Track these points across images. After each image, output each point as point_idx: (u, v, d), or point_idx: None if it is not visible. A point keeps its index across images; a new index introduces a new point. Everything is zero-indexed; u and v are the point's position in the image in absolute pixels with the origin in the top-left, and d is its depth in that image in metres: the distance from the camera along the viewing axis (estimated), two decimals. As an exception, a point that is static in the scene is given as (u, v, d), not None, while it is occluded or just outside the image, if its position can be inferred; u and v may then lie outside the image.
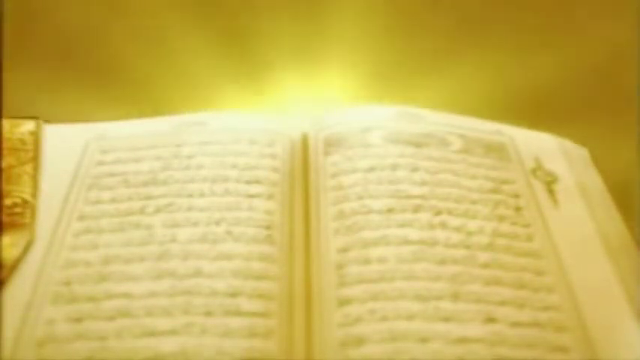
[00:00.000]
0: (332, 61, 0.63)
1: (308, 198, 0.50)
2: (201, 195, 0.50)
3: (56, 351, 0.42)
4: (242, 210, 0.49)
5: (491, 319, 0.43)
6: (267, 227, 0.48)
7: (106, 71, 0.62)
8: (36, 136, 0.54)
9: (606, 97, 0.60)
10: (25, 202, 0.50)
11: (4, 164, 0.52)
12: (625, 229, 0.50)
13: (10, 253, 0.46)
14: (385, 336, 0.42)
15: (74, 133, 0.55)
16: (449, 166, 0.52)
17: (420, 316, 0.43)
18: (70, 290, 0.44)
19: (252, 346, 0.42)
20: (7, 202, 0.50)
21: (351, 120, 0.55)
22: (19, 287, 0.45)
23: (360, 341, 0.42)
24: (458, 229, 0.48)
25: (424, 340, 0.42)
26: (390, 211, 0.48)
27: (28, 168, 0.52)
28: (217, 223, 0.48)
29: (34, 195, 0.50)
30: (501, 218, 0.49)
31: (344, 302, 0.44)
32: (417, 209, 0.49)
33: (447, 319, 0.43)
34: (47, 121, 0.55)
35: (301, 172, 0.52)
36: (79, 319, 0.43)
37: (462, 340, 0.42)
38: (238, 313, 0.43)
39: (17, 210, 0.49)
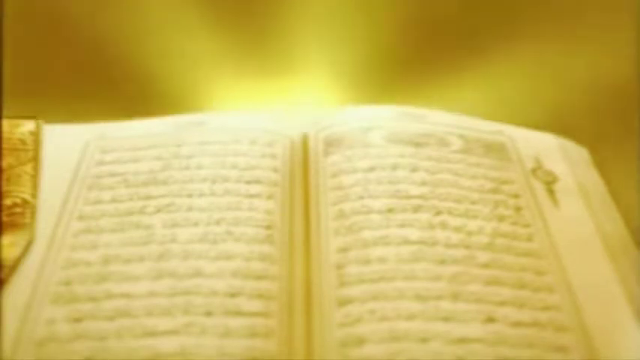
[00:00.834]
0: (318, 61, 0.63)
1: (308, 198, 0.50)
2: (201, 195, 0.50)
3: (56, 351, 0.41)
4: (242, 210, 0.49)
5: (491, 319, 0.43)
6: (267, 227, 0.48)
7: (106, 71, 0.62)
8: (36, 136, 0.54)
9: (607, 96, 0.60)
10: (25, 202, 0.50)
11: (4, 164, 0.52)
12: (625, 229, 0.50)
13: (10, 253, 0.46)
14: (385, 336, 0.42)
15: (74, 133, 0.55)
16: (449, 166, 0.52)
17: (420, 316, 0.43)
18: (70, 290, 0.44)
19: (252, 346, 0.42)
20: (7, 202, 0.50)
21: (351, 120, 0.55)
22: (19, 287, 0.45)
23: (360, 341, 0.42)
24: (458, 229, 0.48)
25: (424, 340, 0.42)
26: (390, 211, 0.48)
27: (28, 168, 0.52)
28: (217, 223, 0.48)
29: (34, 195, 0.50)
30: (501, 218, 0.49)
31: (344, 302, 0.44)
32: (417, 209, 0.49)
33: (447, 319, 0.43)
34: (47, 120, 0.55)
35: (301, 172, 0.52)
36: (79, 319, 0.43)
37: (462, 340, 0.42)
38: (238, 313, 0.43)
39: (17, 210, 0.49)
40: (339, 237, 0.47)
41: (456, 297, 0.44)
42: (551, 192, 0.52)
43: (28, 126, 0.55)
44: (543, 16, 0.63)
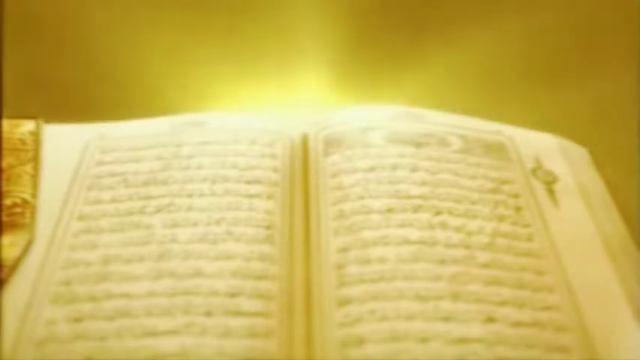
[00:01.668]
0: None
1: (308, 198, 0.50)
2: (201, 195, 0.50)
3: (56, 351, 0.42)
4: (242, 210, 0.49)
5: (491, 319, 0.43)
6: (267, 227, 0.48)
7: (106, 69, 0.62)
8: (36, 136, 0.54)
9: (606, 96, 0.60)
10: (25, 202, 0.50)
11: (4, 164, 0.52)
12: (625, 229, 0.50)
13: (10, 253, 0.46)
14: (385, 336, 0.42)
15: (74, 133, 0.55)
16: (449, 166, 0.52)
17: (420, 316, 0.43)
18: (70, 290, 0.44)
19: (252, 346, 0.42)
20: (7, 202, 0.50)
21: (351, 120, 0.55)
22: (19, 287, 0.45)
23: (360, 341, 0.42)
24: (458, 229, 0.48)
25: (424, 340, 0.42)
26: (390, 211, 0.48)
27: (28, 168, 0.52)
28: (217, 223, 0.48)
29: (34, 195, 0.50)
30: (501, 218, 0.49)
31: (344, 302, 0.44)
32: (417, 209, 0.49)
33: (447, 319, 0.43)
34: (48, 120, 0.55)
35: (301, 172, 0.52)
36: (79, 319, 0.43)
37: (462, 340, 0.42)
38: (238, 313, 0.43)
39: (17, 210, 0.49)
40: (339, 237, 0.47)
41: (456, 297, 0.44)
42: (551, 192, 0.52)
43: (28, 126, 0.55)
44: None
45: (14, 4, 0.61)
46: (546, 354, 0.42)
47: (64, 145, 0.54)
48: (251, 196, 0.50)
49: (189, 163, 0.52)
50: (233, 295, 0.44)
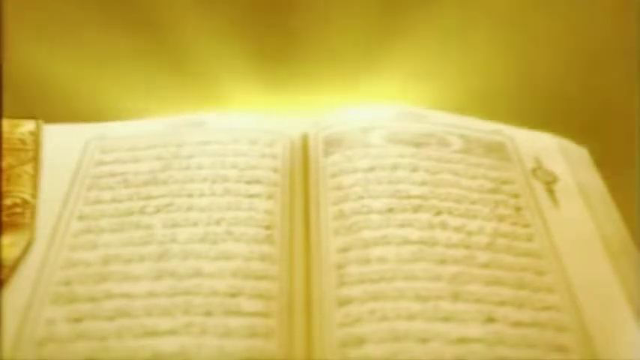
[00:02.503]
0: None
1: (308, 198, 0.50)
2: (201, 195, 0.50)
3: (56, 351, 0.42)
4: (242, 210, 0.49)
5: (491, 319, 0.43)
6: (267, 227, 0.48)
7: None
8: (36, 136, 0.54)
9: (606, 96, 0.60)
10: (25, 202, 0.50)
11: (4, 164, 0.52)
12: (625, 229, 0.50)
13: (10, 253, 0.46)
14: (385, 336, 0.42)
15: (74, 133, 0.55)
16: (449, 166, 0.52)
17: (420, 316, 0.43)
18: (70, 290, 0.44)
19: (252, 346, 0.42)
20: (7, 202, 0.50)
21: (351, 120, 0.55)
22: (19, 287, 0.45)
23: (360, 341, 0.42)
24: (458, 229, 0.48)
25: (424, 340, 0.42)
26: (390, 211, 0.48)
27: (28, 168, 0.52)
28: (217, 223, 0.48)
29: (34, 195, 0.50)
30: (501, 218, 0.49)
31: (344, 302, 0.44)
32: (417, 209, 0.49)
33: (447, 319, 0.43)
34: (47, 121, 0.55)
35: (301, 172, 0.52)
36: (79, 319, 0.43)
37: (462, 340, 0.42)
38: (238, 313, 0.43)
39: (17, 210, 0.49)
40: (339, 237, 0.47)
41: (456, 297, 0.44)
42: (551, 192, 0.52)
43: (28, 126, 0.55)
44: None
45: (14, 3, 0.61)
46: (546, 354, 0.42)
47: (64, 145, 0.54)
48: (251, 196, 0.50)
49: (189, 163, 0.52)
50: (233, 295, 0.44)
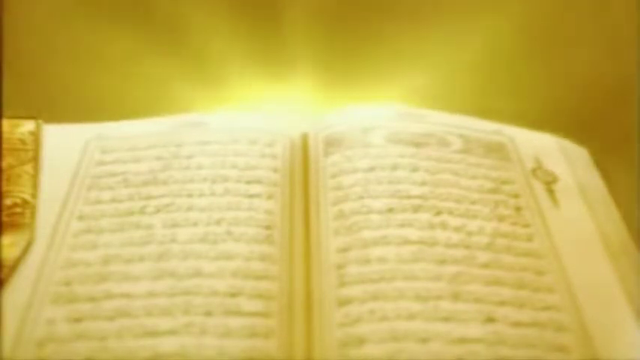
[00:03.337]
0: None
1: (308, 198, 0.50)
2: (201, 195, 0.50)
3: (56, 351, 0.42)
4: (242, 210, 0.49)
5: (491, 319, 0.43)
6: (267, 227, 0.48)
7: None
8: (36, 136, 0.54)
9: (606, 97, 0.60)
10: (25, 202, 0.50)
11: (4, 164, 0.52)
12: (625, 229, 0.50)
13: (10, 253, 0.46)
14: (385, 336, 0.42)
15: (74, 133, 0.55)
16: (449, 166, 0.52)
17: (420, 316, 0.43)
18: (70, 290, 0.44)
19: (252, 346, 0.42)
20: (7, 202, 0.50)
21: (351, 120, 0.55)
22: (19, 287, 0.45)
23: (360, 341, 0.42)
24: (458, 229, 0.48)
25: (424, 340, 0.42)
26: (390, 211, 0.48)
27: (28, 168, 0.52)
28: (217, 223, 0.48)
29: (34, 195, 0.50)
30: (501, 218, 0.49)
31: (344, 302, 0.44)
32: (417, 209, 0.49)
33: (447, 319, 0.43)
34: (47, 121, 0.55)
35: (301, 172, 0.52)
36: (79, 319, 0.43)
37: (462, 340, 0.42)
38: (238, 313, 0.43)
39: (17, 210, 0.49)
40: (339, 237, 0.47)
41: (456, 297, 0.44)
42: (551, 192, 0.52)
43: (28, 126, 0.55)
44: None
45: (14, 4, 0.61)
46: (546, 354, 0.42)
47: (64, 145, 0.54)
48: (251, 196, 0.50)
49: (189, 163, 0.52)
50: (233, 295, 0.44)
